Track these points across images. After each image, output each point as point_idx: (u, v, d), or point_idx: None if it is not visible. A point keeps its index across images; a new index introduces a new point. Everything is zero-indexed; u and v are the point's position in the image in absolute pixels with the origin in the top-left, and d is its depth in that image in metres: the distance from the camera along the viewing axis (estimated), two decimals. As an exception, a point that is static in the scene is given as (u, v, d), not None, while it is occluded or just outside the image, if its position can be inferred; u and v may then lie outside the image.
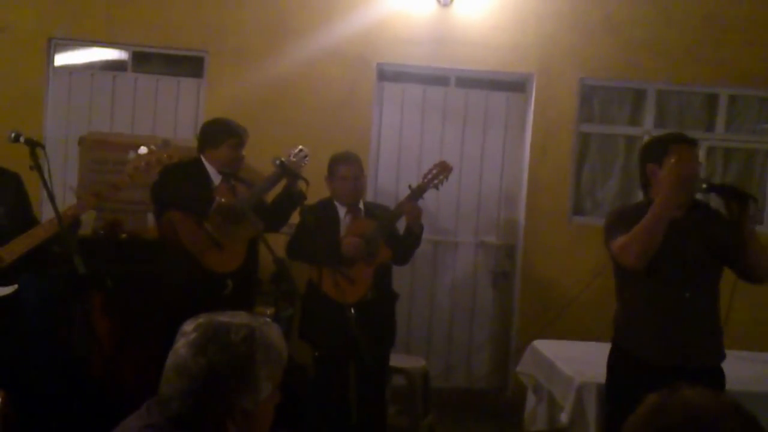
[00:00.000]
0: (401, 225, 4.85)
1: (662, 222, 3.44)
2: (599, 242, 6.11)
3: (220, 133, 4.53)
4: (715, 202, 4.36)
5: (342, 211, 4.81)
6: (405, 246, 4.83)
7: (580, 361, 4.66)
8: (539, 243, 6.53)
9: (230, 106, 5.80)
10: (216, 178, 4.49)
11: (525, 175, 6.56)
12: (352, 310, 4.42)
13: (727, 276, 3.71)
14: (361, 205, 4.89)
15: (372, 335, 4.45)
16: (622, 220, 3.66)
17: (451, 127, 6.63)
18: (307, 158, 4.55)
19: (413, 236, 4.79)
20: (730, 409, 1.47)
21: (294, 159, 4.50)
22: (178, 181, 4.37)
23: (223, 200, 4.30)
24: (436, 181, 4.79)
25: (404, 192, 6.01)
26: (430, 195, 4.88)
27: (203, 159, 4.54)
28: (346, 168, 4.78)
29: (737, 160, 6.88)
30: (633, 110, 6.78)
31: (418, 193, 4.75)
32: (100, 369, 4.88)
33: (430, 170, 4.83)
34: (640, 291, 3.68)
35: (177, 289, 4.29)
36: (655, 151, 3.66)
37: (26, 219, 3.79)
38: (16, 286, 3.62)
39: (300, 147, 4.55)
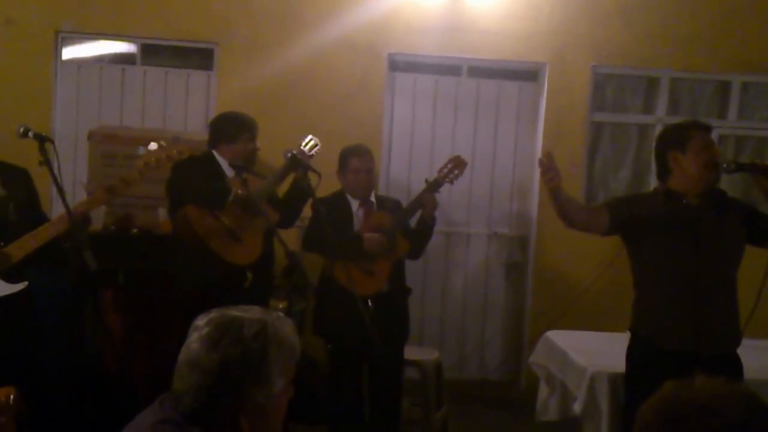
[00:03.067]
0: (413, 218, 4.84)
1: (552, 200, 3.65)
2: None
3: (235, 128, 4.51)
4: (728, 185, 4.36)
5: (354, 204, 4.79)
6: (419, 239, 4.81)
7: (592, 351, 4.66)
8: (552, 234, 6.49)
9: (240, 99, 5.79)
10: (229, 172, 4.46)
11: (537, 165, 6.51)
12: (370, 303, 4.44)
13: (759, 262, 3.65)
14: (373, 198, 4.87)
15: (386, 329, 4.45)
16: (616, 199, 3.88)
17: (464, 117, 6.59)
18: (317, 147, 4.51)
19: (426, 229, 4.78)
20: (741, 397, 1.46)
21: (304, 148, 4.47)
22: (193, 176, 4.36)
23: (239, 192, 4.29)
24: (451, 176, 4.79)
25: (416, 183, 6.05)
26: (442, 187, 4.86)
27: (215, 153, 4.52)
28: (358, 161, 4.76)
29: (750, 148, 6.83)
30: (646, 98, 6.73)
31: (434, 186, 4.74)
32: (113, 365, 4.88)
33: (446, 164, 4.82)
34: (656, 279, 3.69)
35: (196, 284, 4.27)
36: (675, 138, 3.66)
37: (36, 215, 3.77)
38: (26, 282, 3.60)
39: (310, 136, 4.52)
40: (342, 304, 4.42)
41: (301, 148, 4.46)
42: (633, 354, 3.78)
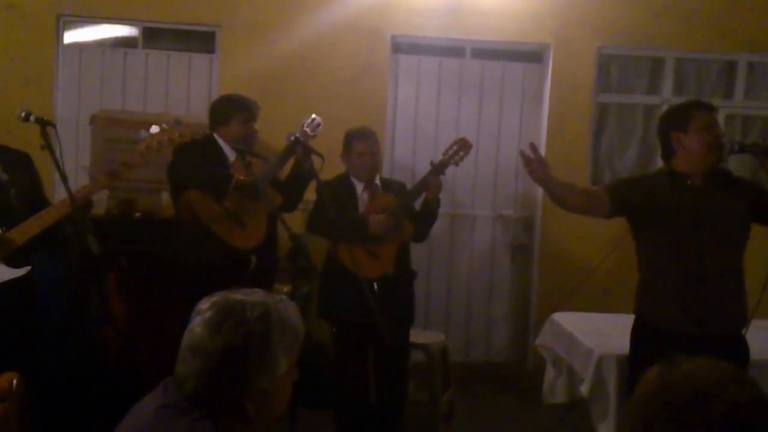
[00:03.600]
0: (418, 201, 4.82)
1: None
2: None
3: (228, 110, 4.49)
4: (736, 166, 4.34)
5: (359, 187, 4.77)
6: (423, 221, 4.79)
7: (599, 333, 4.66)
8: (557, 215, 6.39)
9: (243, 81, 5.75)
10: (231, 155, 4.44)
11: (543, 147, 6.48)
12: (375, 286, 4.42)
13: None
14: (378, 181, 4.84)
15: (392, 312, 4.44)
16: (622, 180, 3.90)
17: (468, 99, 6.56)
18: (320, 127, 4.47)
19: (431, 211, 4.76)
20: (730, 377, 1.46)
21: (307, 129, 4.43)
22: (194, 160, 4.34)
23: (241, 177, 4.26)
24: (456, 158, 4.76)
25: (420, 165, 6.03)
26: (447, 170, 4.84)
27: (216, 136, 4.50)
28: (363, 143, 4.73)
29: (756, 127, 6.79)
30: (651, 79, 6.70)
31: (439, 168, 4.71)
32: (117, 349, 4.88)
33: (450, 146, 4.79)
34: (660, 260, 3.66)
35: (199, 268, 4.25)
36: (678, 118, 3.62)
37: (38, 199, 3.75)
38: (29, 267, 3.59)
39: (313, 116, 4.48)
40: (347, 287, 4.40)
41: (304, 128, 4.42)
42: (637, 336, 3.77)
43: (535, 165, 3.53)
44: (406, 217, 4.70)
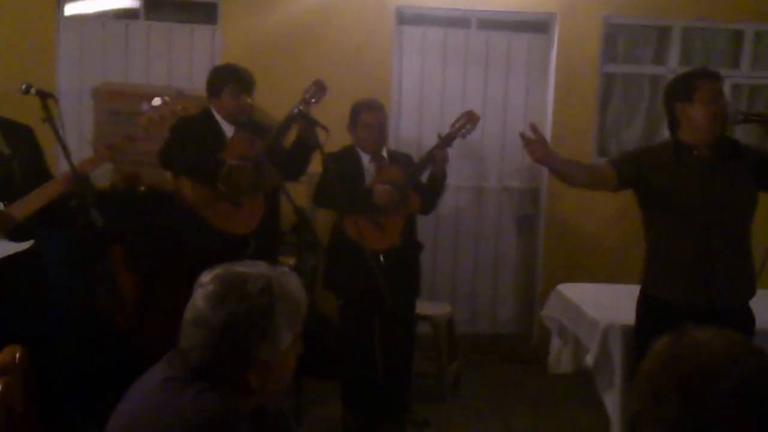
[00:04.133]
0: (424, 174, 4.80)
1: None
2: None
3: (219, 81, 4.42)
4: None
5: (365, 159, 4.74)
6: (430, 194, 4.78)
7: (605, 303, 4.67)
8: (564, 187, 6.39)
9: (246, 53, 5.71)
10: (228, 130, 4.40)
11: (549, 118, 6.46)
12: (382, 258, 4.42)
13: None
14: (384, 153, 4.82)
15: (397, 284, 4.45)
16: (627, 153, 3.85)
17: (473, 70, 6.52)
18: (323, 91, 4.40)
19: (437, 184, 4.75)
20: (740, 347, 1.45)
21: (307, 96, 4.37)
22: (187, 143, 4.29)
23: (234, 162, 4.22)
24: (463, 130, 4.74)
25: (426, 138, 6.01)
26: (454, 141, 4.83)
27: (213, 110, 4.44)
28: (370, 115, 4.69)
29: (763, 97, 6.74)
30: (658, 49, 6.64)
31: (446, 141, 4.70)
32: (124, 322, 4.89)
33: (458, 119, 4.77)
34: (665, 232, 3.64)
35: (197, 253, 4.23)
36: (682, 88, 3.58)
37: (40, 173, 3.73)
38: (32, 241, 3.58)
39: (313, 81, 4.43)
40: (353, 259, 4.40)
41: (305, 97, 4.37)
42: (643, 308, 3.75)
43: (535, 146, 3.50)
44: (413, 190, 4.69)
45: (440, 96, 6.47)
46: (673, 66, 6.51)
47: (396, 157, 4.86)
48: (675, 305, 3.53)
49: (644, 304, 3.74)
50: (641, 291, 3.77)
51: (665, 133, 6.06)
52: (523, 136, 3.52)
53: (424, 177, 4.82)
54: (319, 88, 4.39)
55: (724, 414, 1.37)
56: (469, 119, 4.75)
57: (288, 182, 4.33)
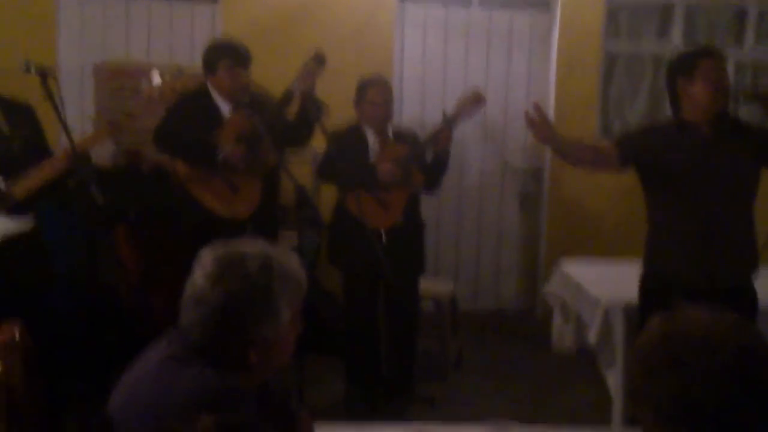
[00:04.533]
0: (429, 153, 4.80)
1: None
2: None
3: (214, 56, 4.36)
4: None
5: (371, 135, 4.73)
6: (433, 172, 4.78)
7: (607, 280, 4.66)
8: (566, 165, 6.41)
9: (247, 31, 5.68)
10: (225, 108, 4.37)
11: (551, 97, 6.45)
12: (383, 235, 4.43)
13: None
14: (390, 131, 4.81)
15: (400, 262, 4.46)
16: (630, 132, 3.86)
17: (475, 49, 6.50)
18: (321, 62, 4.35)
19: (441, 162, 4.75)
20: (733, 325, 1.46)
21: (308, 69, 4.33)
22: (182, 124, 4.26)
23: (228, 150, 4.19)
24: (469, 110, 4.73)
25: (428, 115, 6.02)
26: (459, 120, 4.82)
27: (210, 88, 4.39)
28: (376, 92, 4.68)
29: (766, 75, 6.69)
30: (660, 26, 6.61)
31: (451, 120, 4.68)
32: (127, 299, 4.91)
33: (464, 99, 4.74)
34: (667, 210, 3.64)
35: (194, 239, 4.23)
36: (683, 65, 3.57)
37: (41, 152, 3.73)
38: (33, 219, 3.59)
39: (312, 55, 4.38)
40: (355, 236, 4.41)
41: (304, 72, 4.34)
42: (645, 286, 3.76)
43: (540, 127, 3.49)
44: (417, 168, 4.68)
45: (442, 74, 6.45)
46: (676, 44, 6.48)
47: (401, 135, 4.85)
48: (677, 282, 3.53)
49: (646, 281, 3.74)
50: (643, 268, 3.77)
51: (668, 111, 6.03)
52: (527, 116, 3.50)
53: (429, 156, 4.81)
54: (318, 62, 4.35)
55: (716, 390, 1.38)
56: (475, 100, 4.74)
57: (291, 155, 4.31)
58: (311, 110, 4.23)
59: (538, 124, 3.49)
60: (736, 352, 1.40)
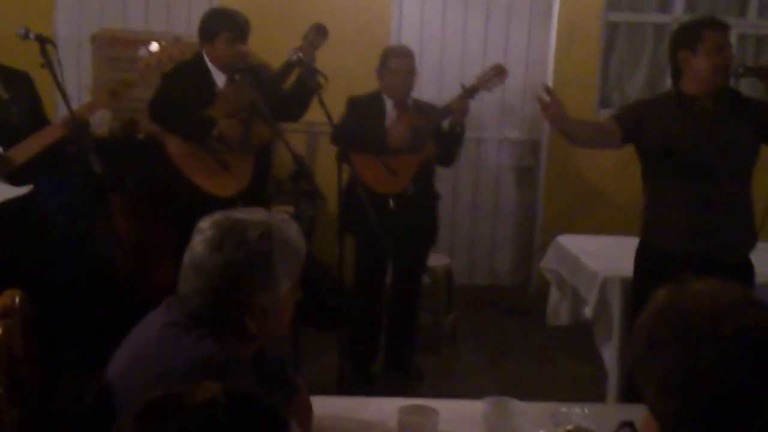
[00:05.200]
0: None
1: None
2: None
3: (214, 26, 4.29)
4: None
5: (389, 104, 4.76)
6: (447, 144, 4.80)
7: (604, 255, 4.66)
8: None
9: (244, 2, 5.63)
10: (219, 79, 4.32)
11: (550, 68, 6.41)
12: (391, 202, 4.46)
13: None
14: (409, 101, 4.82)
15: (410, 232, 4.50)
16: (629, 106, 3.81)
17: (474, 17, 6.43)
18: (321, 33, 4.33)
19: (455, 135, 4.77)
20: (740, 298, 1.43)
21: (308, 40, 4.31)
22: (177, 96, 4.23)
23: (224, 125, 4.17)
24: (489, 84, 4.77)
25: (425, 85, 5.95)
26: (453, 91, 4.81)
27: (205, 56, 4.34)
28: (399, 61, 4.72)
29: (769, 48, 6.69)
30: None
31: (470, 92, 4.71)
32: (124, 267, 4.91)
33: (486, 72, 4.78)
34: (665, 183, 3.63)
35: (184, 215, 4.21)
36: (687, 37, 3.53)
37: (38, 119, 3.72)
38: (31, 186, 3.57)
39: (312, 25, 4.36)
40: (365, 201, 4.39)
41: (305, 42, 4.31)
42: (642, 260, 3.75)
43: (552, 109, 3.46)
44: (431, 137, 4.69)
45: (440, 43, 6.40)
46: (677, 14, 6.44)
47: (419, 107, 4.87)
48: (674, 256, 3.52)
49: (643, 255, 3.74)
50: (640, 242, 3.76)
51: (669, 83, 6.01)
52: (540, 99, 3.46)
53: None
54: (319, 32, 4.34)
55: (720, 361, 1.35)
56: (497, 73, 4.78)
57: (286, 126, 4.28)
58: (310, 82, 4.20)
59: (552, 106, 3.46)
60: (742, 324, 1.37)
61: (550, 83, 6.27)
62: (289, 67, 4.31)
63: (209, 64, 4.33)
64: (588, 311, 4.41)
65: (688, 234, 3.54)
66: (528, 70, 6.50)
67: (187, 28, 5.92)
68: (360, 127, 4.60)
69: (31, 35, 3.45)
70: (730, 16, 6.35)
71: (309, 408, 2.25)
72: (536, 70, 6.47)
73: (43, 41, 3.43)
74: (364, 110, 4.70)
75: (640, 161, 3.73)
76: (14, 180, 3.51)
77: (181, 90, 4.25)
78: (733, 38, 6.15)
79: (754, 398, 1.36)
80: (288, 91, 4.46)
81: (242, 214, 1.94)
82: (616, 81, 6.67)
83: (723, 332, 1.36)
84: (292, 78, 4.43)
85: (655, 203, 3.70)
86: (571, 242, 5.01)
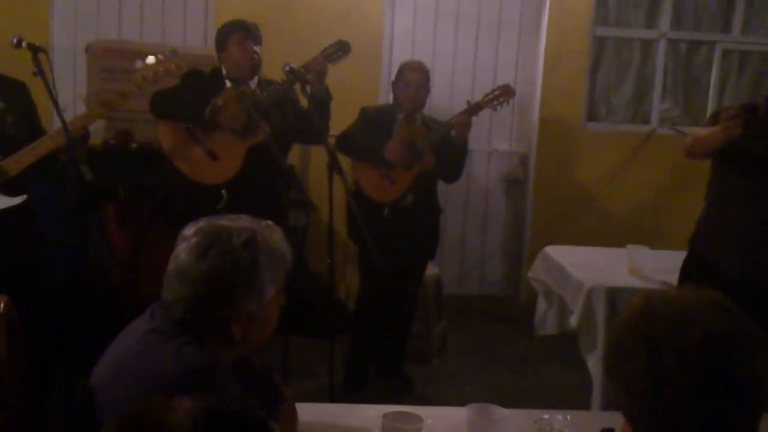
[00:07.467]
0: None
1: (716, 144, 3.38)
2: (613, 149, 6.08)
3: (224, 32, 4.34)
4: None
5: (400, 117, 4.83)
6: (448, 158, 4.81)
7: (590, 266, 4.70)
8: (553, 150, 6.47)
9: (239, 13, 5.63)
10: None
11: (539, 81, 6.47)
12: (386, 210, 4.54)
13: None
14: (418, 117, 4.88)
15: (410, 243, 4.63)
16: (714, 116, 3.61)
17: (465, 30, 6.50)
18: (345, 53, 4.36)
19: (456, 149, 4.80)
20: (711, 305, 1.45)
21: (327, 53, 4.32)
22: (179, 90, 4.26)
23: (220, 102, 4.16)
24: (495, 102, 4.80)
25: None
26: (443, 103, 4.85)
27: (223, 69, 4.37)
28: (412, 75, 4.80)
29: (754, 62, 6.75)
30: (649, 12, 6.62)
31: (474, 110, 4.76)
32: (117, 277, 4.93)
33: (492, 90, 4.83)
34: (723, 197, 3.60)
35: (176, 201, 4.27)
36: None
37: (34, 129, 3.75)
38: (24, 196, 3.61)
39: (337, 40, 4.39)
40: (366, 211, 4.40)
41: (323, 53, 4.32)
42: (688, 269, 3.75)
43: (734, 129, 3.31)
44: (430, 151, 4.72)
45: (431, 55, 6.43)
46: (664, 30, 6.52)
47: (429, 122, 4.90)
48: (723, 274, 3.47)
49: (690, 266, 3.72)
50: (689, 252, 3.75)
51: (654, 98, 6.10)
52: (730, 115, 3.30)
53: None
54: (341, 48, 4.35)
55: (686, 370, 1.38)
56: (504, 92, 4.80)
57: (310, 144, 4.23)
58: (322, 93, 4.25)
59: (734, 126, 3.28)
60: (709, 332, 1.40)
61: (538, 97, 6.35)
62: (288, 84, 4.29)
63: (225, 73, 4.34)
64: (574, 320, 4.45)
65: (733, 253, 3.49)
66: (517, 83, 6.54)
67: (182, 41, 6.00)
68: (363, 137, 4.67)
69: (24, 44, 3.46)
70: (715, 32, 6.44)
71: (294, 416, 2.25)
72: (525, 83, 6.53)
73: (35, 50, 3.42)
74: (374, 121, 4.78)
75: (712, 169, 3.66)
76: (9, 191, 3.54)
77: (193, 94, 4.25)
78: (717, 53, 6.26)
79: (714, 407, 1.39)
80: (305, 110, 4.36)
81: (227, 220, 1.95)
82: (603, 94, 6.72)
83: (689, 339, 1.40)
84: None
85: (709, 213, 3.65)
86: (558, 253, 5.05)
